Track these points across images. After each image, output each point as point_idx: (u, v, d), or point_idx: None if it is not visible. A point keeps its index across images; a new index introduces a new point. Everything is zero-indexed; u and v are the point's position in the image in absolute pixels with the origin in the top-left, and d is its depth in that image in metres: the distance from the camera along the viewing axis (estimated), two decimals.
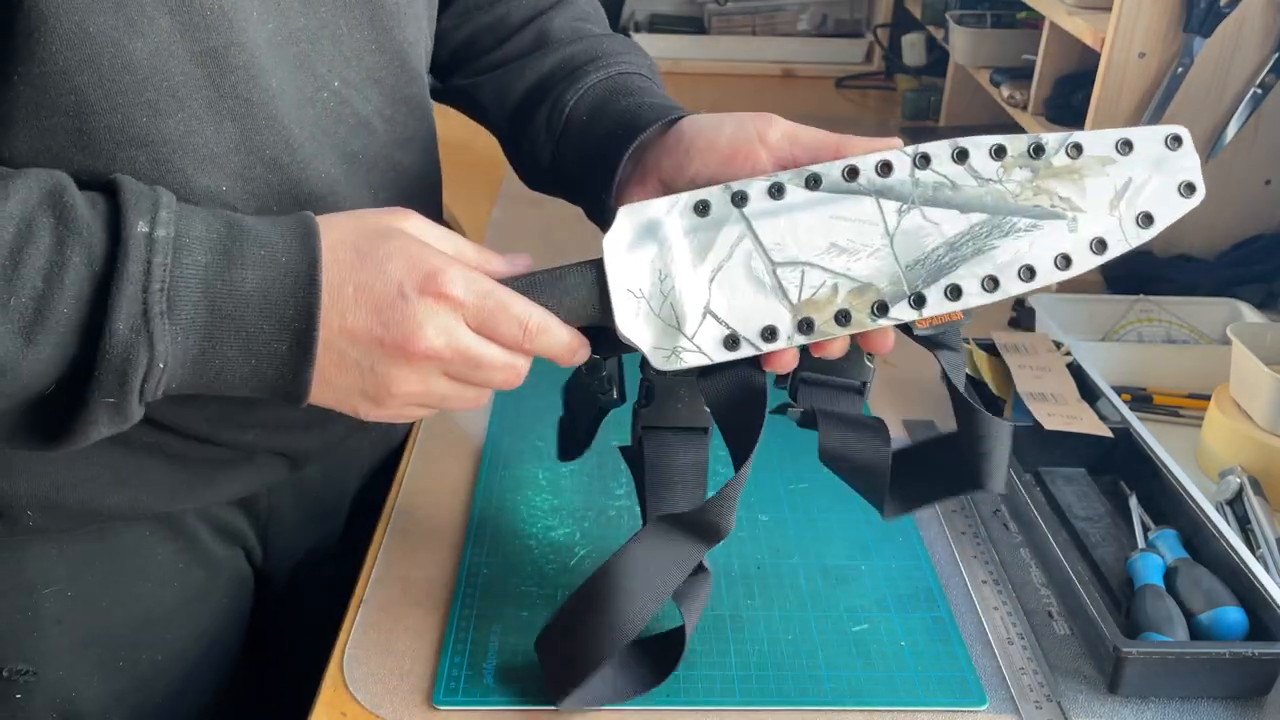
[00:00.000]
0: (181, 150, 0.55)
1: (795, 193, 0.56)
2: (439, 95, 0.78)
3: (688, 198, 0.57)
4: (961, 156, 0.56)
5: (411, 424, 0.90)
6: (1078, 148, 0.56)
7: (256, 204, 0.59)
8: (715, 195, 0.57)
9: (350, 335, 0.51)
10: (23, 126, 0.51)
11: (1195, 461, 0.89)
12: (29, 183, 0.48)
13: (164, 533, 0.69)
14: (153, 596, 0.69)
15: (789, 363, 0.58)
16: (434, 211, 0.74)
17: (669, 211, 0.57)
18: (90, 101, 0.51)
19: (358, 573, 0.74)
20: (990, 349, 0.95)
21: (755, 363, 0.58)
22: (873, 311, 0.56)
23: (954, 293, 0.56)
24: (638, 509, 0.79)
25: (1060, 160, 0.56)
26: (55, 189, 0.48)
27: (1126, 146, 0.56)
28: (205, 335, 0.49)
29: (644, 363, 0.59)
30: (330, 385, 0.53)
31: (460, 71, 0.77)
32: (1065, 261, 0.56)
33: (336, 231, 0.52)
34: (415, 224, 0.55)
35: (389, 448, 0.87)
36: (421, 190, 0.71)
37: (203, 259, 0.49)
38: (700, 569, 0.63)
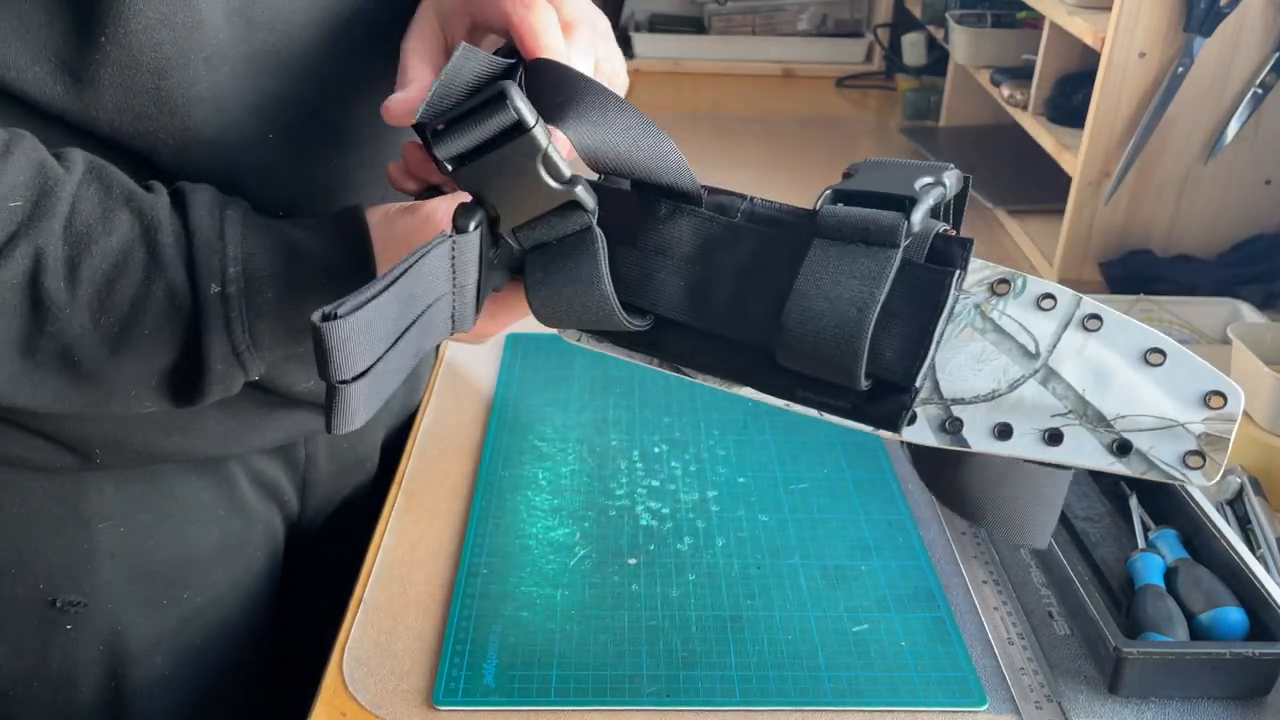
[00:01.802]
0: (237, 103, 0.59)
1: None
2: None
3: None
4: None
5: (427, 382, 0.94)
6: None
7: (302, 151, 0.62)
8: None
9: None
10: (109, 86, 0.55)
11: None
12: (129, 217, 0.53)
13: (209, 479, 0.72)
14: (196, 538, 0.72)
15: None
16: None
17: None
18: (168, 57, 0.55)
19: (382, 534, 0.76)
20: None
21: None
22: None
23: None
24: (638, 509, 0.79)
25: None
26: (151, 225, 0.54)
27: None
28: (287, 345, 0.57)
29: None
30: None
31: None
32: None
33: (384, 254, 0.57)
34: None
35: (413, 403, 0.92)
36: None
37: (272, 294, 0.55)
38: None
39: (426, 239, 0.51)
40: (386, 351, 0.45)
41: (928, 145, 1.50)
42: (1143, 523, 0.77)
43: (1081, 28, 1.12)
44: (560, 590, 0.71)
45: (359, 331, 0.43)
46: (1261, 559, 0.74)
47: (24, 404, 0.54)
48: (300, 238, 0.57)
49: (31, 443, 0.64)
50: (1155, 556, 0.72)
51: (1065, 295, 0.47)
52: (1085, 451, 0.45)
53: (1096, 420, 0.45)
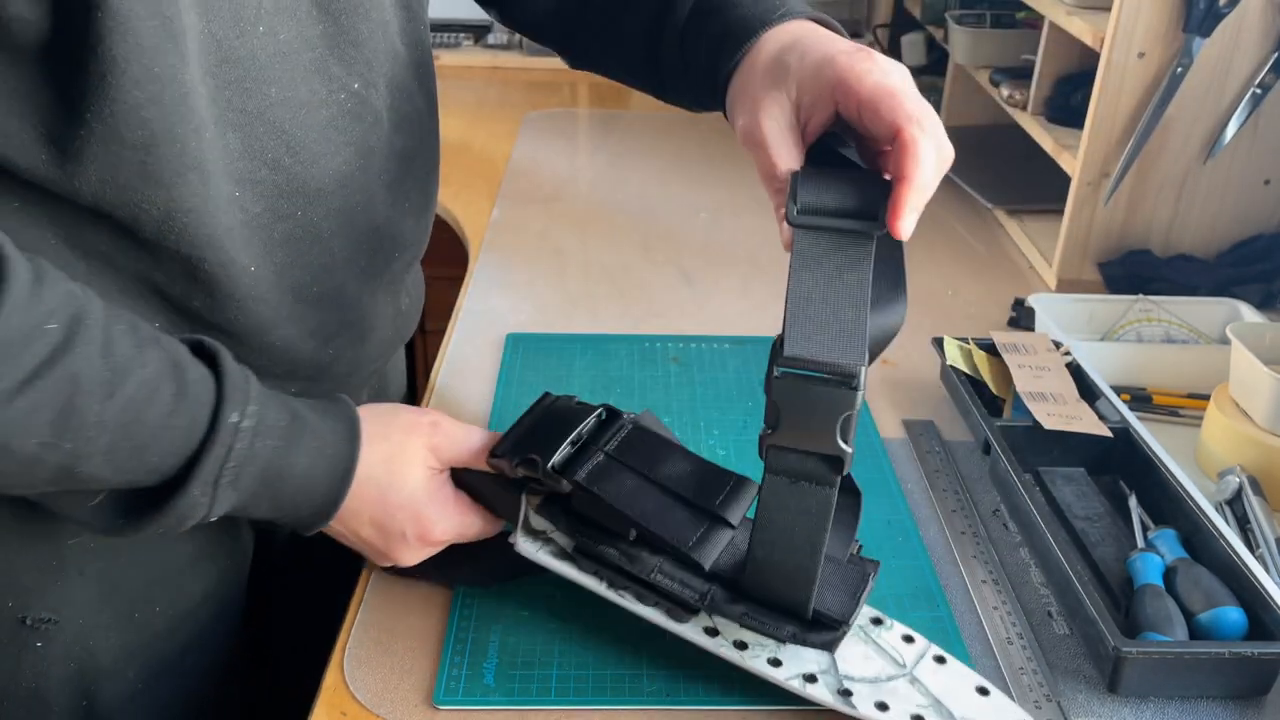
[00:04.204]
0: (215, 167, 0.59)
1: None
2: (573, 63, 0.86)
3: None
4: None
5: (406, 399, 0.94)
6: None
7: (264, 204, 0.62)
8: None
9: (359, 538, 0.68)
10: (92, 160, 0.54)
11: (1195, 461, 0.89)
12: (160, 354, 0.57)
13: None
14: (167, 551, 0.71)
15: None
16: (430, 185, 0.79)
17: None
18: (155, 134, 0.55)
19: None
20: (990, 349, 0.95)
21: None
22: None
23: None
24: None
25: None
26: (179, 364, 0.57)
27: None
28: (250, 497, 0.61)
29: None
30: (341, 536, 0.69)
31: (574, 43, 0.84)
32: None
33: (371, 457, 0.65)
34: (441, 437, 0.69)
35: None
36: (418, 168, 0.75)
37: (272, 444, 0.60)
38: None
39: (406, 437, 0.67)
40: None
41: None
42: (1142, 522, 0.78)
43: (1081, 28, 1.12)
44: (560, 590, 0.71)
45: None
46: (1260, 559, 0.74)
47: None
48: (300, 407, 0.63)
49: None
50: (1154, 556, 0.72)
51: (920, 639, 0.64)
52: None
53: (948, 715, 0.60)
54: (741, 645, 0.63)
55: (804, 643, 0.61)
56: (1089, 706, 0.64)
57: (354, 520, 0.66)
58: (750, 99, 0.63)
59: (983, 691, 0.61)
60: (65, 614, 0.68)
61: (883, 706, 0.60)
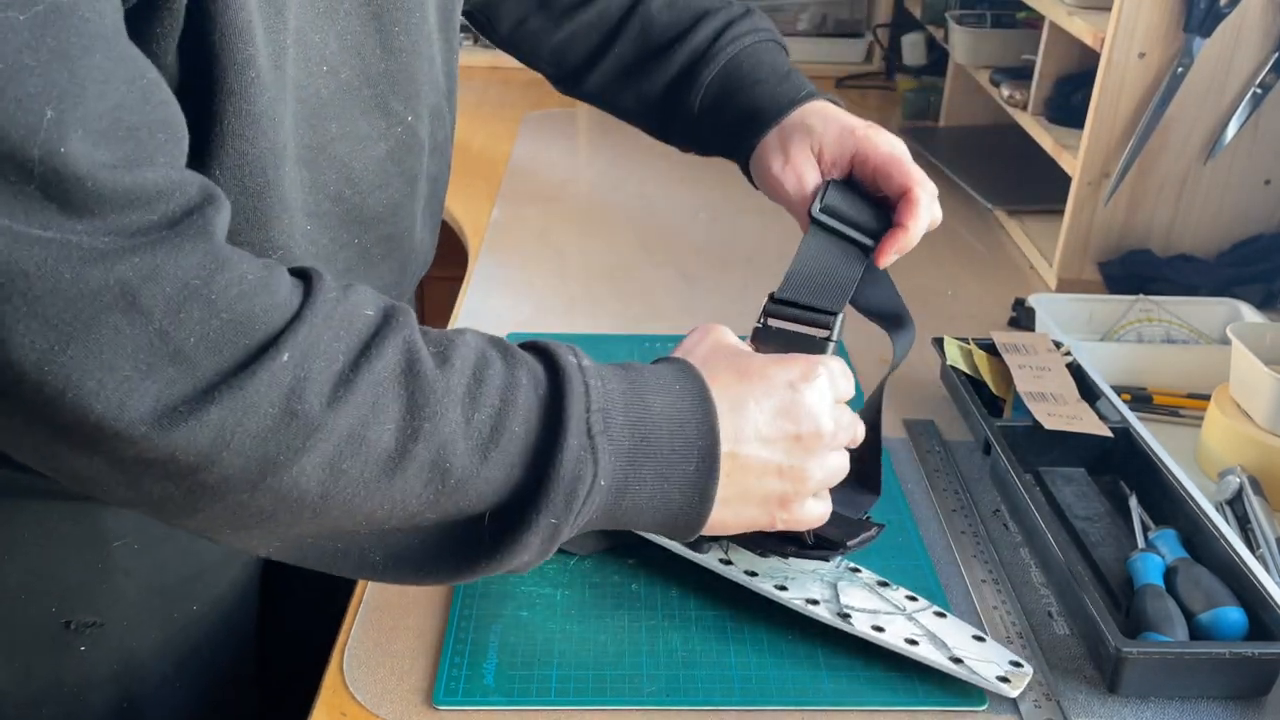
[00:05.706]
0: (294, 203, 0.61)
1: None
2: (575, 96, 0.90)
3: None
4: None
5: None
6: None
7: (329, 234, 0.65)
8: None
9: (764, 439, 0.58)
10: None
11: (1195, 461, 0.89)
12: (471, 332, 0.54)
13: None
14: (205, 549, 0.72)
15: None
16: (443, 199, 0.82)
17: None
18: (271, 181, 0.57)
19: None
20: (990, 349, 0.95)
21: None
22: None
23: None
24: None
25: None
26: (492, 339, 0.55)
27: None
28: (629, 460, 0.54)
29: None
30: (731, 503, 0.59)
31: (578, 78, 0.88)
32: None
33: (704, 365, 0.60)
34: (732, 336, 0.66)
35: None
36: (440, 186, 0.79)
37: (617, 386, 0.55)
38: None
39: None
40: None
41: (927, 145, 1.50)
42: (1142, 522, 0.78)
43: (1081, 28, 1.12)
44: (560, 590, 0.71)
45: None
46: (1261, 559, 0.74)
47: (363, 524, 0.50)
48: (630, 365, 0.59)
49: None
50: (1155, 556, 0.72)
51: (923, 600, 0.70)
52: (931, 655, 0.65)
53: (940, 645, 0.66)
54: (752, 573, 0.70)
55: (804, 556, 0.67)
56: (1089, 706, 0.64)
57: (748, 424, 0.58)
58: (782, 151, 0.76)
59: (978, 639, 0.66)
60: (110, 616, 0.68)
61: (879, 629, 0.66)
